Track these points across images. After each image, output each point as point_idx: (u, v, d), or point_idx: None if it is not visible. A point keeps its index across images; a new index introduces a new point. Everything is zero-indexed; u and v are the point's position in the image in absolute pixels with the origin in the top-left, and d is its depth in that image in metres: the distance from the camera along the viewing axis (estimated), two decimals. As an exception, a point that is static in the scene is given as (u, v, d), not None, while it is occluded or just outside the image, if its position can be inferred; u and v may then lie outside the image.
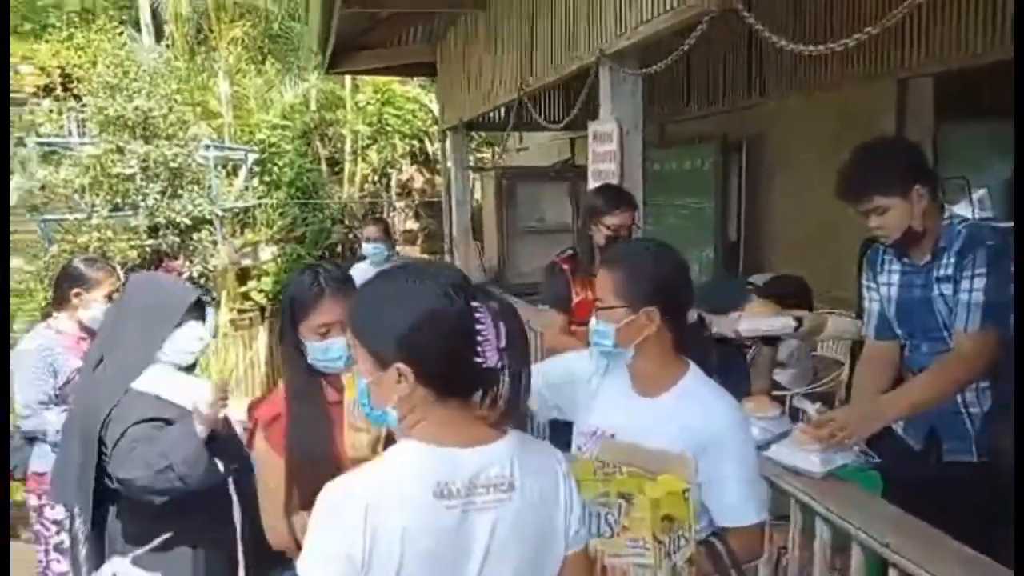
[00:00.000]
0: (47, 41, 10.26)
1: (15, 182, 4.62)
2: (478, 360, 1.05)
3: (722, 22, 2.48)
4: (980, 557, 1.74)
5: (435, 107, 10.61)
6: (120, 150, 4.51)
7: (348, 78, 9.22)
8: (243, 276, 6.20)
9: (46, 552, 2.83)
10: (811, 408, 1.97)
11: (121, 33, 9.87)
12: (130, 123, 4.66)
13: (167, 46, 8.46)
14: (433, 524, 1.04)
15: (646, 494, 1.30)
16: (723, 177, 5.56)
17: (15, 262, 4.78)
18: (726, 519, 1.47)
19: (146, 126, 4.70)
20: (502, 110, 5.62)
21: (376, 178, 9.96)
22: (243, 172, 6.83)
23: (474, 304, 1.07)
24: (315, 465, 1.57)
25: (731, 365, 3.24)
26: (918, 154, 2.05)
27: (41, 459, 2.75)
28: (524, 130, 6.37)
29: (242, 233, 6.53)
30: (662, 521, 1.31)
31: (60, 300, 2.87)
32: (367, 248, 4.55)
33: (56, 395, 2.72)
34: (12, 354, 2.88)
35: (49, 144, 5.15)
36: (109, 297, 2.92)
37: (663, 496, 1.31)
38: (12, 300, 4.40)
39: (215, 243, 5.20)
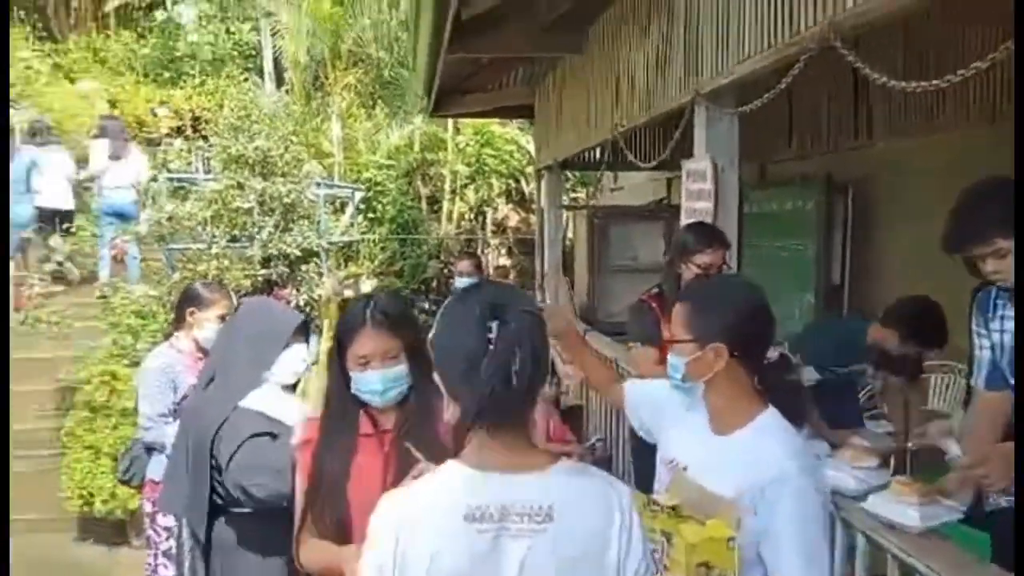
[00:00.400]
0: (181, 87, 11.26)
1: (146, 215, 5.10)
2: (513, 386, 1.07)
3: (822, 59, 2.44)
4: None
5: (531, 148, 10.87)
6: (240, 186, 4.89)
7: (450, 121, 9.60)
8: (344, 306, 6.53)
9: (155, 556, 3.02)
10: (955, 447, 1.84)
11: (246, 79, 10.72)
12: (250, 161, 5.05)
13: (286, 91, 9.11)
14: (463, 547, 1.06)
15: (684, 537, 1.28)
16: (827, 219, 5.38)
17: (142, 288, 5.22)
18: None
19: (264, 164, 5.07)
20: (597, 150, 5.68)
21: (472, 216, 10.23)
22: (350, 209, 7.20)
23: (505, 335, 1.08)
24: (326, 494, 1.62)
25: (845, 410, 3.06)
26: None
27: (157, 469, 2.96)
28: (619, 170, 6.39)
29: (346, 266, 6.86)
30: (697, 568, 1.26)
31: (179, 319, 3.11)
32: (460, 282, 4.69)
33: (174, 410, 2.94)
34: (139, 372, 3.14)
35: (179, 180, 5.64)
36: (222, 318, 3.14)
37: (701, 541, 1.27)
38: (137, 321, 4.80)
39: (321, 275, 5.48)
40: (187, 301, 3.08)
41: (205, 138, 7.87)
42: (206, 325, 3.05)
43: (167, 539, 2.99)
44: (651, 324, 2.93)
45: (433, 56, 5.54)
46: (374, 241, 7.76)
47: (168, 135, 9.76)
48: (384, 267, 7.71)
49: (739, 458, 1.40)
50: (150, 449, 2.97)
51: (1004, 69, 3.28)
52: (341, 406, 1.69)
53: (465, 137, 9.68)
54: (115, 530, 4.61)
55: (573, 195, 10.58)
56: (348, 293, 6.17)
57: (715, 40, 3.14)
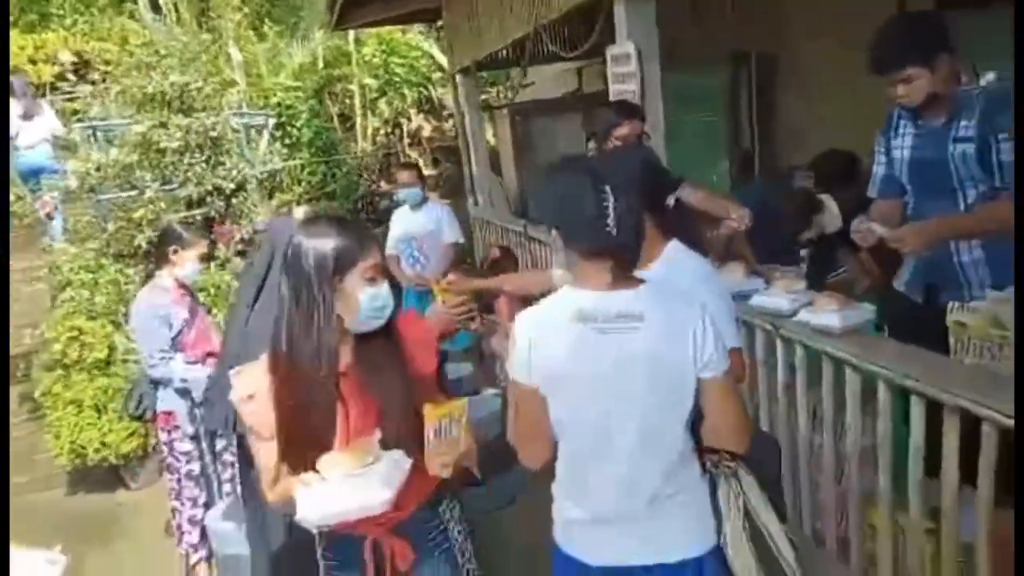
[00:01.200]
0: (53, 30, 10.41)
1: (70, 167, 4.93)
2: (607, 230, 1.46)
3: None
4: (994, 372, 2.08)
5: (437, 53, 10.73)
6: (163, 125, 4.79)
7: (351, 33, 9.32)
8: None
9: (177, 481, 3.25)
10: (879, 228, 2.25)
11: (131, 15, 10.00)
12: (167, 98, 4.94)
13: (169, 19, 8.61)
14: (575, 338, 1.48)
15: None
16: (732, 90, 5.76)
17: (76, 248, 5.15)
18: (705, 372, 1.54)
19: (183, 99, 4.97)
20: (508, 48, 5.78)
21: (388, 130, 10.16)
22: (265, 136, 7.08)
23: (602, 190, 1.46)
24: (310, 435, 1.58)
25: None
26: (943, 23, 2.24)
27: (166, 401, 3.15)
28: (535, 64, 6.52)
29: (272, 196, 6.81)
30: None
31: (160, 259, 3.22)
32: (404, 193, 4.86)
33: (172, 344, 3.10)
34: (131, 315, 3.27)
35: (96, 128, 5.42)
36: (202, 258, 3.28)
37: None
38: (87, 276, 4.78)
39: (255, 206, 5.50)
40: (169, 241, 3.19)
41: (102, 80, 7.46)
42: (188, 264, 3.19)
43: (187, 463, 3.23)
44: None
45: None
46: (300, 167, 7.69)
47: (54, 83, 9.13)
48: (315, 191, 7.70)
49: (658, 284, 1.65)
50: (155, 383, 3.15)
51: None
52: (327, 337, 1.57)
53: (370, 49, 9.47)
54: (108, 476, 4.76)
55: (482, 96, 10.60)
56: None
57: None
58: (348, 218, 1.86)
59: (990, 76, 2.24)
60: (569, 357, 1.49)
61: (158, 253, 3.27)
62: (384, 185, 8.08)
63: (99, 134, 5.60)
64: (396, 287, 1.87)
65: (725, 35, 5.75)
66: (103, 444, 4.37)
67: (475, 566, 1.88)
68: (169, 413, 3.14)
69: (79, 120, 6.06)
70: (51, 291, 5.24)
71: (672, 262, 1.84)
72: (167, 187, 5.03)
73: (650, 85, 3.60)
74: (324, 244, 1.57)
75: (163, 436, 3.21)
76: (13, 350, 5.08)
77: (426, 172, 10.17)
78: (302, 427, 1.58)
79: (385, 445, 1.59)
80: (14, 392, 5.22)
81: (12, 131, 6.43)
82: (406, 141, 11.09)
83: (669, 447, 1.55)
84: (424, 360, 1.75)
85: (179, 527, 3.28)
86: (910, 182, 2.37)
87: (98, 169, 4.76)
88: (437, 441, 1.56)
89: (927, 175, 2.31)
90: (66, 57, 9.06)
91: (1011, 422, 1.77)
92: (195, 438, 3.18)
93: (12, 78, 6.63)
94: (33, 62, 9.03)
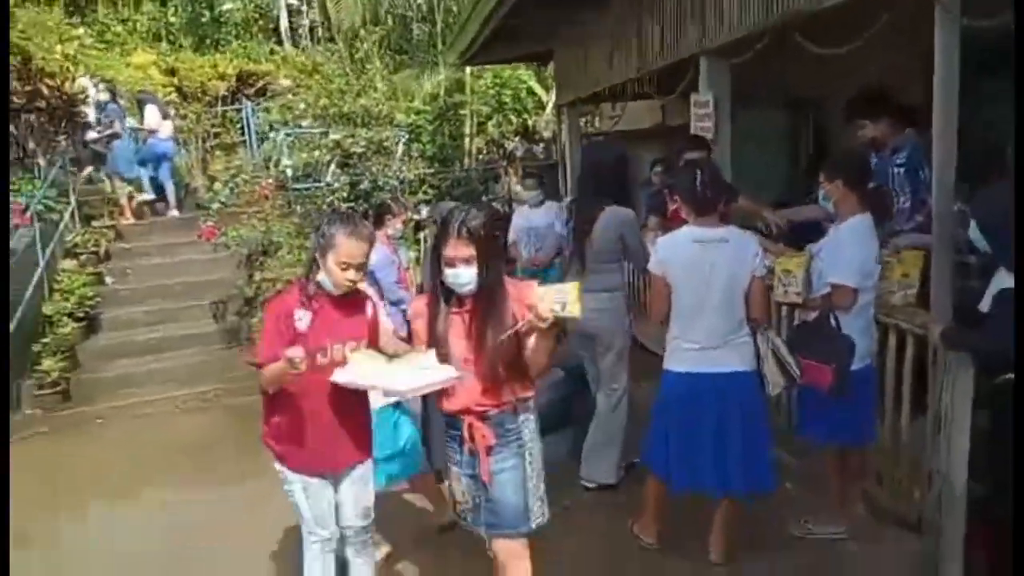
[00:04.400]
0: (221, 52, 12.58)
1: (289, 161, 6.66)
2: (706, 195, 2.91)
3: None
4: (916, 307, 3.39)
5: (537, 88, 12.33)
6: (352, 135, 6.46)
7: (468, 68, 11.01)
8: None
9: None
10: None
11: (279, 42, 12.02)
12: (354, 116, 6.63)
13: (329, 52, 10.55)
14: (691, 252, 2.98)
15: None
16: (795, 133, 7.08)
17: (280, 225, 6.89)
18: None
19: (365, 118, 6.66)
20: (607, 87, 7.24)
21: (494, 148, 11.82)
22: (400, 147, 8.77)
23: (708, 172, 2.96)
24: (435, 344, 2.43)
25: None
26: (887, 97, 3.65)
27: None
28: (629, 100, 7.95)
29: (415, 194, 8.47)
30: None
31: (379, 221, 4.80)
32: (528, 195, 6.40)
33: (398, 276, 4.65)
34: (372, 257, 4.86)
35: (296, 134, 7.17)
36: (404, 222, 4.85)
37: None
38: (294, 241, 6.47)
39: (407, 200, 7.13)
40: (384, 211, 4.78)
41: (270, 97, 9.36)
42: (396, 224, 4.77)
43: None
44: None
45: (483, 22, 7.03)
46: (432, 173, 9.33)
47: (224, 97, 11.18)
48: (442, 194, 9.30)
49: None
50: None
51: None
52: (438, 290, 2.44)
53: (485, 81, 11.16)
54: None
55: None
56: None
57: (715, 10, 4.70)
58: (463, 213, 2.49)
59: (910, 130, 3.60)
60: (686, 261, 3.01)
61: (377, 218, 4.85)
62: (508, 189, 9.55)
63: (292, 140, 7.35)
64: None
65: (788, 84, 7.07)
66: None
67: (539, 466, 2.58)
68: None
69: (272, 129, 7.87)
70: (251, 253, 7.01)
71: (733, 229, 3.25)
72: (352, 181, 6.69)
73: (722, 125, 4.96)
74: (432, 237, 2.69)
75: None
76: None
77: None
78: (431, 335, 2.46)
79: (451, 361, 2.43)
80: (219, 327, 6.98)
81: (155, 124, 9.08)
82: (503, 161, 12.75)
83: (735, 311, 3.04)
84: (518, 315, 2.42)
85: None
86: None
87: (306, 164, 6.45)
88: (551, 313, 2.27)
89: (881, 180, 3.70)
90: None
91: (920, 332, 3.09)
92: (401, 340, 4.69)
93: (145, 94, 9.67)
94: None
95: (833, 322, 3.06)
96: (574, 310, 2.21)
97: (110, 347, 7.32)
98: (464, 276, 2.34)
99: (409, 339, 2.83)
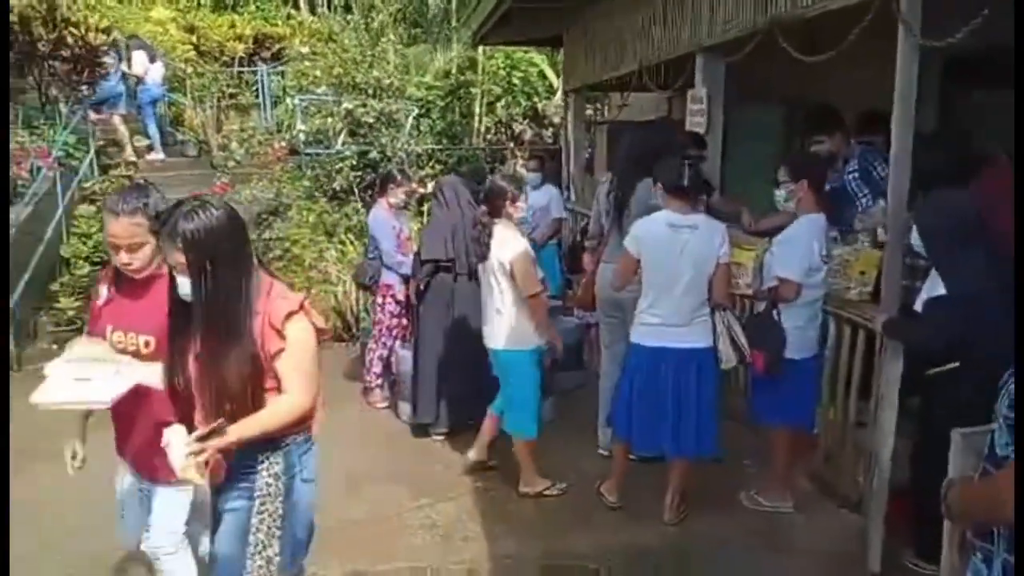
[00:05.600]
0: (240, 14, 12.76)
1: (302, 126, 6.91)
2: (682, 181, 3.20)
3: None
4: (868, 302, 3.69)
5: (549, 72, 12.52)
6: (364, 105, 6.71)
7: (481, 47, 11.20)
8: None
9: (379, 331, 5.08)
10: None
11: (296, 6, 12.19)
12: (367, 86, 6.88)
13: (346, 21, 10.76)
14: (664, 234, 3.29)
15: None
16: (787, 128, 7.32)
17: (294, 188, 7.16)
18: None
19: (377, 89, 6.91)
20: (614, 78, 7.48)
21: (502, 129, 12.03)
22: (410, 121, 9.00)
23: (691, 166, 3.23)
24: None
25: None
26: (838, 113, 3.96)
27: (388, 277, 4.97)
28: (634, 91, 8.16)
29: (421, 168, 8.73)
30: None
31: (383, 190, 5.09)
32: (529, 176, 6.68)
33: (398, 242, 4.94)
34: (371, 221, 5.13)
35: (312, 100, 7.43)
36: (407, 192, 5.13)
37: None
38: (305, 203, 6.75)
39: (412, 172, 7.39)
40: (388, 180, 5.07)
41: (286, 61, 9.59)
42: (399, 194, 5.04)
43: (391, 318, 5.04)
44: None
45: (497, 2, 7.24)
46: (436, 150, 9.58)
47: (240, 59, 11.41)
48: (448, 170, 9.57)
49: None
50: (385, 266, 4.97)
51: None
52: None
53: (497, 61, 11.36)
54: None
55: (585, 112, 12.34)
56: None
57: (710, 10, 4.94)
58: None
59: (853, 141, 3.98)
60: (659, 242, 3.29)
61: (382, 186, 5.13)
62: (513, 170, 9.83)
63: (305, 105, 7.61)
64: None
65: (783, 84, 7.30)
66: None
67: (270, 523, 2.08)
68: (389, 284, 4.99)
69: (286, 94, 8.11)
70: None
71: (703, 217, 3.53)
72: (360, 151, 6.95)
73: (715, 120, 5.22)
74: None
75: (379, 300, 5.07)
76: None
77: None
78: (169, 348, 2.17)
79: None
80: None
81: (142, 70, 9.52)
82: (511, 143, 12.97)
83: (700, 293, 3.34)
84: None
85: (371, 362, 5.12)
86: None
87: (317, 131, 6.71)
88: None
89: (842, 191, 3.99)
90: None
91: (871, 324, 3.38)
92: (399, 303, 5.00)
93: (134, 40, 9.89)
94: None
95: (775, 314, 3.36)
96: (191, 475, 1.91)
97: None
98: (184, 286, 2.00)
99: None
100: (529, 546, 3.54)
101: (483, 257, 3.80)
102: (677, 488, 3.63)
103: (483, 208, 3.84)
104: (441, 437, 4.65)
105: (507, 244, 3.68)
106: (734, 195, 5.54)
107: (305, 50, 8.85)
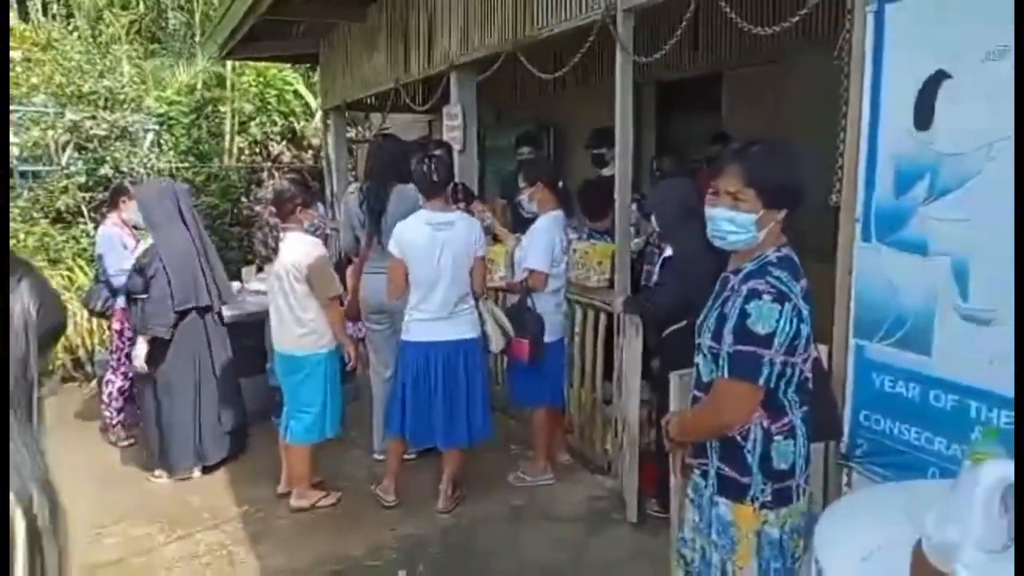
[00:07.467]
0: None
1: (17, 140, 5.98)
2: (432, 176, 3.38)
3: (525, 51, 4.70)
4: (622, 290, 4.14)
5: (304, 91, 12.26)
6: (94, 116, 6.04)
7: (230, 63, 10.67)
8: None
9: (117, 360, 4.59)
10: None
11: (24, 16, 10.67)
12: (96, 97, 6.22)
13: (68, 28, 9.55)
14: (425, 234, 3.41)
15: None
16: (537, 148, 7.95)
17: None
18: None
19: (109, 99, 6.27)
20: (373, 97, 7.61)
21: (256, 150, 11.49)
22: (150, 137, 8.30)
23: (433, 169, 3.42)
24: None
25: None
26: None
27: (121, 302, 4.50)
28: (394, 112, 8.33)
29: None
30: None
31: (113, 205, 4.64)
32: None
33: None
34: (98, 239, 4.59)
35: (33, 112, 6.51)
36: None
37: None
38: (21, 226, 5.87)
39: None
40: (120, 193, 4.64)
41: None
42: (131, 207, 4.59)
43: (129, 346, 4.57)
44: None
45: (244, 15, 6.98)
46: (186, 167, 8.84)
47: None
48: (200, 189, 8.87)
49: None
50: (113, 290, 4.50)
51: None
52: None
53: (248, 78, 10.87)
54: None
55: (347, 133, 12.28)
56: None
57: (461, 32, 5.28)
58: None
59: None
60: (421, 242, 3.38)
61: (111, 201, 4.68)
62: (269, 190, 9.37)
63: (19, 117, 6.68)
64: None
65: (539, 111, 7.98)
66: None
67: None
68: (125, 308, 4.50)
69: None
70: None
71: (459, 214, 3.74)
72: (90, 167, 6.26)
73: (469, 135, 5.54)
74: None
75: (116, 326, 4.55)
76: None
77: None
78: None
79: None
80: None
81: None
82: (268, 163, 12.46)
83: (462, 285, 3.49)
84: None
85: (110, 396, 4.60)
86: None
87: (34, 145, 5.93)
88: None
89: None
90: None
91: (610, 308, 3.81)
92: (134, 330, 4.54)
93: None
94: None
95: (529, 302, 3.68)
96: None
97: None
98: None
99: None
100: (300, 558, 3.44)
101: (268, 260, 3.70)
102: (450, 477, 3.77)
103: (271, 208, 3.71)
104: (198, 473, 4.33)
105: (301, 249, 3.66)
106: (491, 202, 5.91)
107: (17, 56, 7.72)
